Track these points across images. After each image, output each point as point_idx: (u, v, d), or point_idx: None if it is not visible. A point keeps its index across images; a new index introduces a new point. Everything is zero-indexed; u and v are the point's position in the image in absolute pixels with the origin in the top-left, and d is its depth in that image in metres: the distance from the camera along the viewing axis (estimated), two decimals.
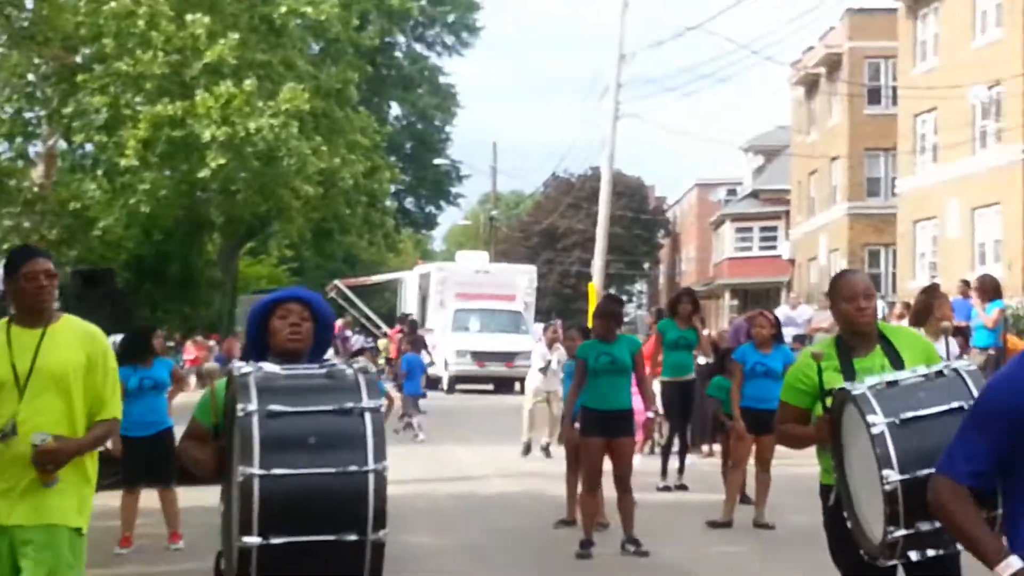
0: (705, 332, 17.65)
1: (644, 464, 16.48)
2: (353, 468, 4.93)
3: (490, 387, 37.58)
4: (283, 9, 45.26)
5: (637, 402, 12.66)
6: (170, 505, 12.57)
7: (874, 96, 51.63)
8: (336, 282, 52.42)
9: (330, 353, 6.45)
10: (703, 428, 19.82)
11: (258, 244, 63.50)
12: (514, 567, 11.77)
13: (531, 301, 43.88)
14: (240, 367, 5.16)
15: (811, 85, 56.12)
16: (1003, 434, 4.00)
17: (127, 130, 42.38)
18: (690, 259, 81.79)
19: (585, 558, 11.88)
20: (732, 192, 74.28)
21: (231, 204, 46.81)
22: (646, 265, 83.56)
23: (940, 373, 5.98)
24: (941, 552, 5.82)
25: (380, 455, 4.97)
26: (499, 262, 53.09)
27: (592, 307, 37.85)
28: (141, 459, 12.33)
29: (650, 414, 13.04)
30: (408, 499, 13.29)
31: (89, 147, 46.43)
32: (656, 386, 16.87)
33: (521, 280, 44.04)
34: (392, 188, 60.98)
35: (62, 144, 47.17)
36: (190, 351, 42.78)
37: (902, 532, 5.55)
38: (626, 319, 37.57)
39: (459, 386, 37.36)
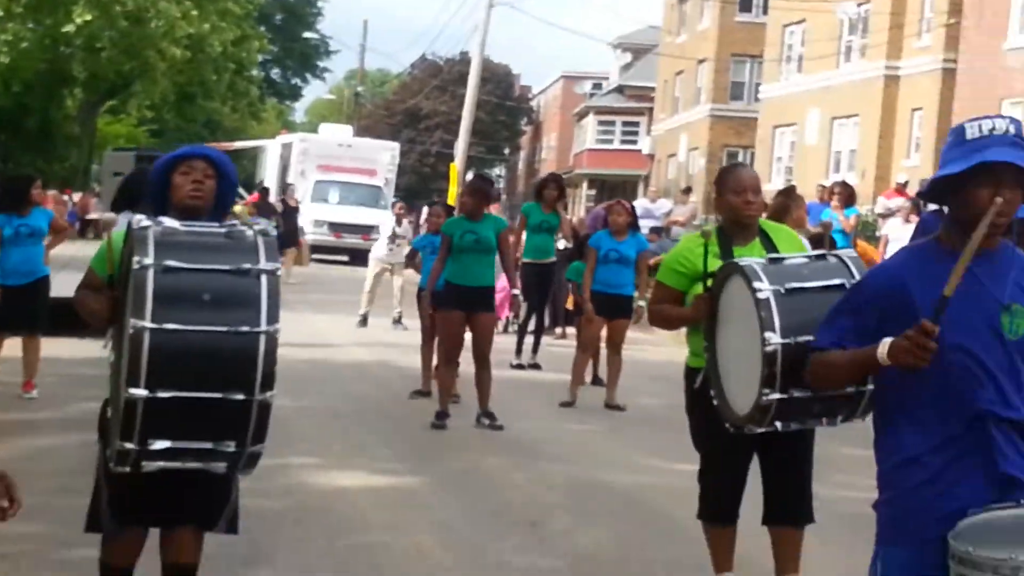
0: (569, 218, 17.93)
1: (498, 342, 16.79)
2: (245, 328, 4.90)
3: (346, 258, 37.66)
4: None
5: (501, 281, 12.94)
6: (32, 353, 12.56)
7: (745, 4, 52.07)
8: None
9: None
10: (557, 311, 20.22)
11: (119, 103, 62.43)
12: (370, 434, 11.99)
13: (392, 178, 43.80)
14: (140, 220, 5.09)
15: None
16: (871, 317, 4.24)
17: None
18: (551, 148, 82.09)
19: (440, 429, 12.16)
20: (598, 86, 74.51)
21: (95, 61, 45.96)
22: (506, 151, 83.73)
23: (823, 256, 6.33)
24: (802, 426, 6.18)
25: (273, 317, 4.94)
26: (361, 137, 52.82)
27: (453, 187, 38.10)
28: (16, 307, 12.30)
29: (515, 291, 13.29)
30: None
31: None
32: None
33: (383, 156, 43.91)
34: (260, 58, 60.25)
35: None
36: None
37: (776, 396, 5.83)
38: None
39: (315, 256, 37.41)
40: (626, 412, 13.73)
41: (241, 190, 47.77)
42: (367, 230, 36.16)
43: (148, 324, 4.82)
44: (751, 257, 6.46)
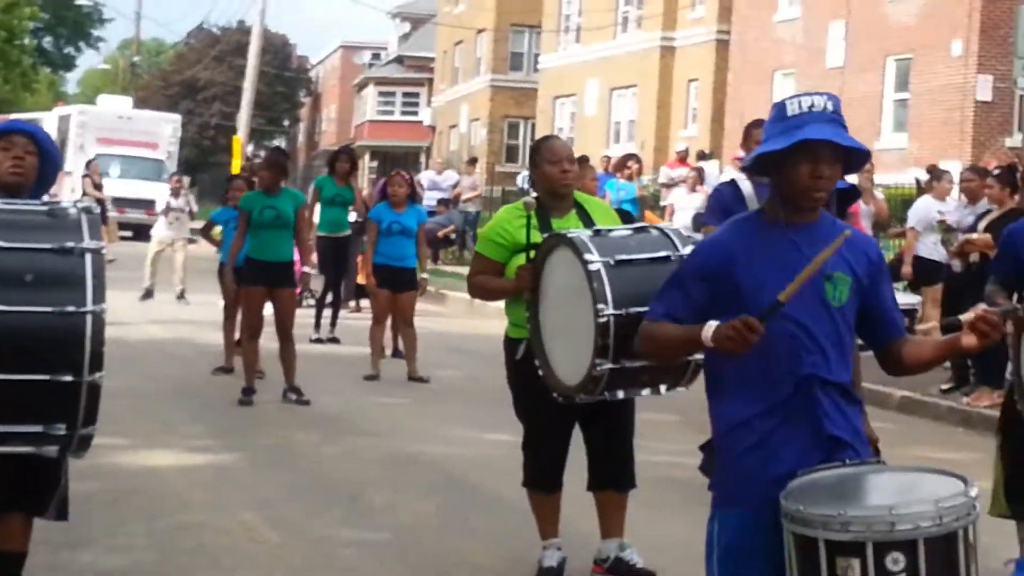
0: (364, 192, 17.96)
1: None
2: (71, 308, 4.82)
3: (129, 234, 36.99)
4: None
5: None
6: None
7: None
8: None
9: None
10: (350, 285, 20.24)
11: None
12: (178, 412, 11.91)
13: (174, 151, 43.09)
14: None
15: None
16: (701, 290, 4.40)
17: None
18: (331, 119, 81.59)
19: (247, 405, 12.13)
20: (377, 56, 74.30)
21: None
22: (286, 123, 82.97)
23: (644, 229, 6.52)
24: (629, 395, 6.37)
25: (99, 296, 4.87)
26: (140, 109, 51.84)
27: (237, 159, 37.70)
28: None
29: (307, 269, 13.28)
30: None
31: None
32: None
33: (165, 129, 43.19)
34: (31, 26, 58.59)
35: None
36: None
37: (609, 365, 6.02)
38: None
39: None
40: (431, 385, 13.83)
41: None
42: (150, 204, 35.57)
43: None
44: (570, 229, 6.62)
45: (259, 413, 11.93)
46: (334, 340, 17.03)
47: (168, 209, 21.73)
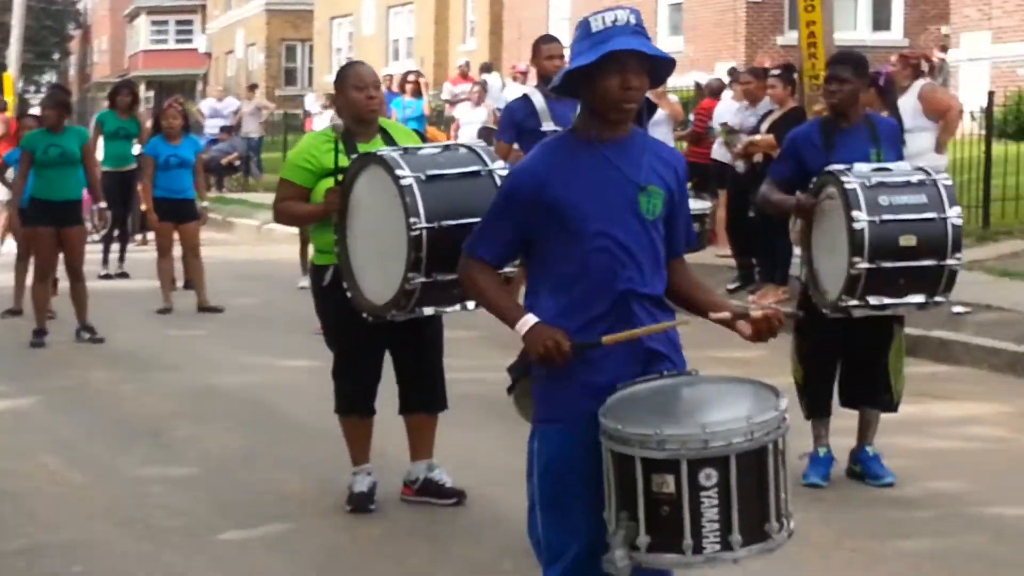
0: (148, 125, 17.63)
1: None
2: None
3: None
4: None
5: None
6: None
7: None
8: None
9: None
10: (136, 218, 19.88)
11: None
12: None
13: None
14: None
15: None
16: (520, 217, 4.40)
17: None
18: (103, 51, 79.62)
19: (39, 347, 11.91)
20: None
21: None
22: (56, 56, 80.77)
23: (451, 147, 6.54)
24: (439, 310, 6.41)
25: None
26: None
27: (9, 97, 36.55)
28: None
29: (102, 205, 13.01)
30: None
31: None
32: None
33: None
34: None
35: None
36: None
37: (422, 279, 6.05)
38: None
39: None
40: (225, 315, 13.72)
41: None
42: None
43: None
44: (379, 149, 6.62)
45: (53, 354, 11.71)
46: (123, 275, 16.79)
47: None
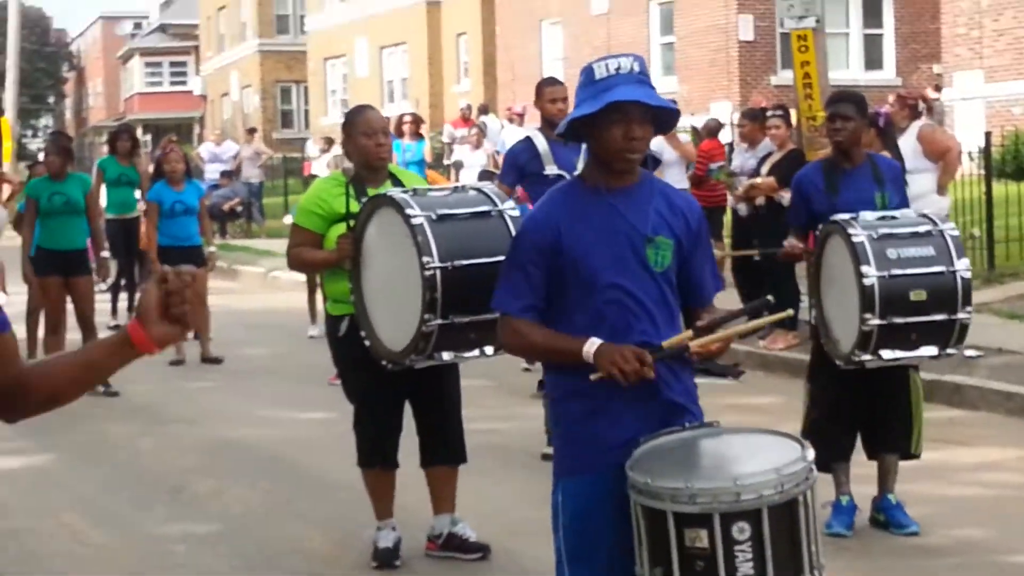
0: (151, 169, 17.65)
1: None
2: None
3: None
4: None
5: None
6: None
7: None
8: None
9: None
10: (144, 266, 19.93)
11: None
12: None
13: None
14: None
15: None
16: (537, 266, 4.46)
17: None
18: (98, 94, 79.83)
19: None
20: (139, 26, 72.92)
21: None
22: (51, 99, 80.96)
23: (460, 189, 6.62)
24: (458, 357, 6.42)
25: None
26: None
27: (7, 143, 36.61)
28: None
29: (104, 254, 13.04)
30: None
31: None
32: None
33: None
34: None
35: None
36: None
37: (438, 321, 6.07)
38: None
39: None
40: (236, 365, 13.69)
41: None
42: None
43: None
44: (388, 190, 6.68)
45: (68, 409, 11.29)
46: None
47: None
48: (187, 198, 13.79)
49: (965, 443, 9.67)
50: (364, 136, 6.93)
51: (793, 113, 14.14)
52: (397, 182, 7.03)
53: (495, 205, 6.38)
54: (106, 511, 8.49)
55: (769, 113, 13.92)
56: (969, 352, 11.07)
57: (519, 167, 9.08)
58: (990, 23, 25.13)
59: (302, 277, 14.69)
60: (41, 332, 12.94)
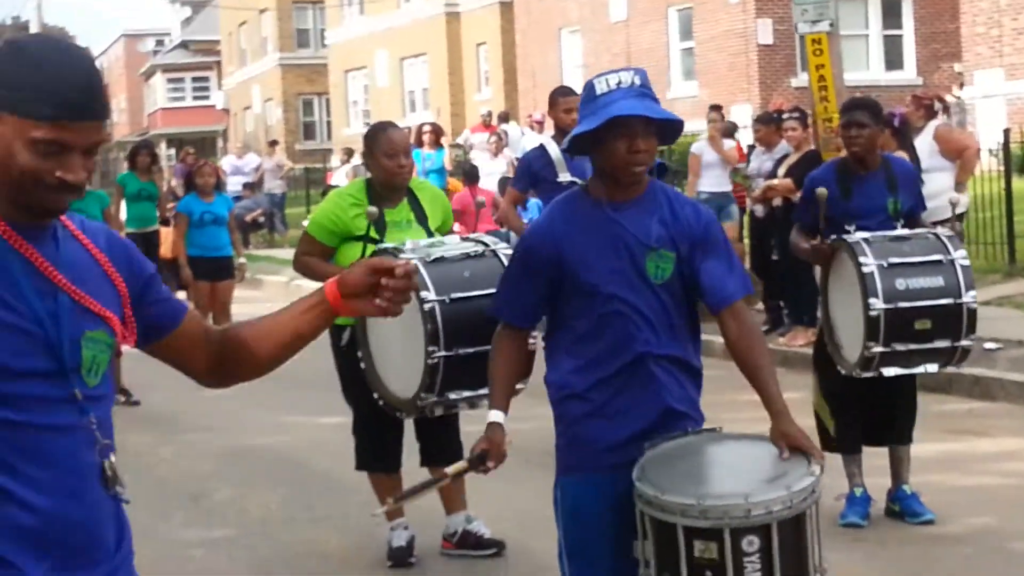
0: (174, 183, 17.76)
1: None
2: None
3: None
4: None
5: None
6: None
7: None
8: None
9: None
10: (166, 278, 20.05)
11: None
12: None
13: None
14: None
15: None
16: (540, 275, 4.48)
17: None
18: (121, 110, 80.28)
19: None
20: (160, 43, 73.30)
21: None
22: None
23: (480, 255, 6.54)
24: (476, 398, 6.33)
25: None
26: None
27: None
28: None
29: None
30: None
31: None
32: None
33: None
34: None
35: None
36: None
37: (442, 353, 6.12)
38: None
39: None
40: None
41: None
42: None
43: None
44: (396, 227, 6.85)
45: None
46: None
47: None
48: (216, 208, 13.98)
49: (984, 433, 9.68)
50: (386, 157, 6.96)
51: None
52: (414, 199, 7.09)
53: (487, 246, 6.44)
54: None
55: (785, 115, 13.92)
56: (988, 344, 11.10)
57: (532, 173, 9.13)
58: (1009, 22, 25.13)
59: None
60: None
